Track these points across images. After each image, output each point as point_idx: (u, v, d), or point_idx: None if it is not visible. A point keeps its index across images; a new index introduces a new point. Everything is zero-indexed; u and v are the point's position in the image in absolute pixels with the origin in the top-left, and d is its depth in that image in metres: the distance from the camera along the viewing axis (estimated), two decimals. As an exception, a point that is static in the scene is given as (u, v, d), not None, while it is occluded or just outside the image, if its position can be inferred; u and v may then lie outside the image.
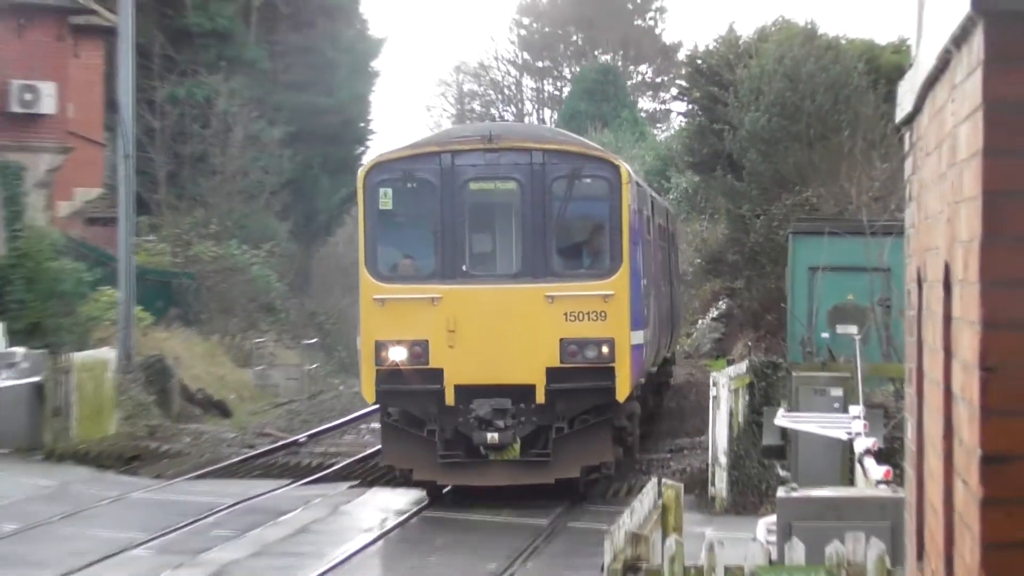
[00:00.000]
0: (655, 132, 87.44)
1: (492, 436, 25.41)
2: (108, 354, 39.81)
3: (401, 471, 27.65)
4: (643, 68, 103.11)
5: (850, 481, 20.37)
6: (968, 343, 7.58)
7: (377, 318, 26.54)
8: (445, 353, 26.15)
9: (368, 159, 29.57)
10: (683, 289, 50.28)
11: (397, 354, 26.18)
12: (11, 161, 45.85)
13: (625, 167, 27.57)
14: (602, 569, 12.31)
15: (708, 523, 22.59)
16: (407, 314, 26.27)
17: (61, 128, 49.08)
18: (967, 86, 7.66)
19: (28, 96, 46.96)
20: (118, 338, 41.68)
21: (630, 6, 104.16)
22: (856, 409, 24.45)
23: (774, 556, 13.19)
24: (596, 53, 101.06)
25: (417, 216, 27.66)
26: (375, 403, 27.88)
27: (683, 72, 67.62)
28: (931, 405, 9.73)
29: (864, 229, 39.27)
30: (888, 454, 19.41)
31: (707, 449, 29.53)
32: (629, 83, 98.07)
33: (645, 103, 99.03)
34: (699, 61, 60.74)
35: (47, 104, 47.46)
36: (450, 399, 25.99)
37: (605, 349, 26.14)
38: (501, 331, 26.07)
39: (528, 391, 25.91)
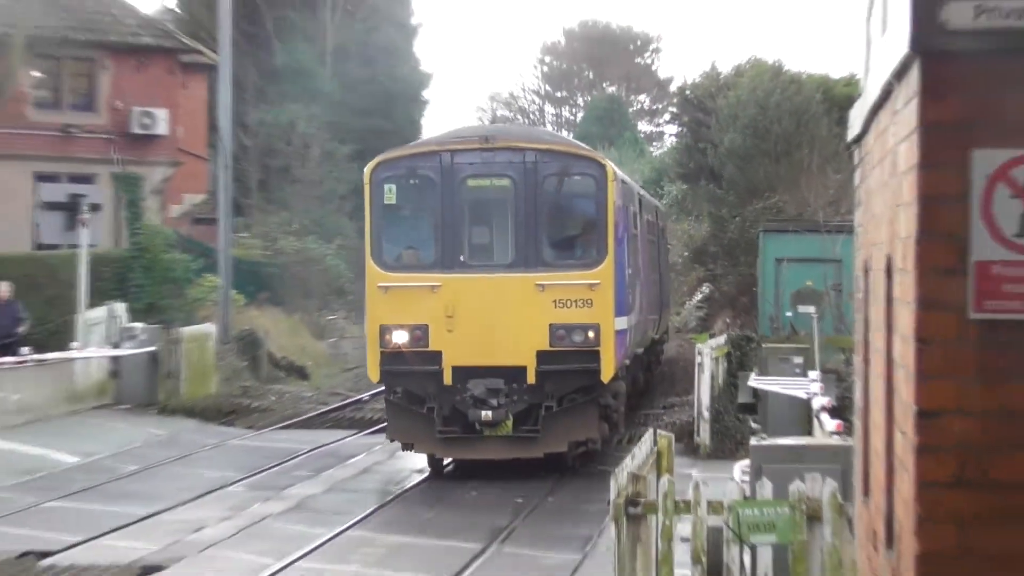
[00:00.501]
0: (651, 149, 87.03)
1: (486, 413, 23.39)
2: (210, 328, 39.94)
3: (404, 445, 25.46)
4: (642, 98, 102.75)
5: (809, 432, 20.31)
6: (906, 320, 7.55)
7: (381, 304, 24.41)
8: (444, 337, 24.01)
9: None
10: (673, 277, 49.94)
11: (399, 337, 24.08)
12: (133, 173, 45.99)
13: (611, 165, 25.46)
14: (609, 503, 12.29)
15: (694, 466, 22.50)
16: (409, 301, 24.13)
17: (172, 146, 49.14)
18: (905, 112, 7.62)
19: (146, 120, 47.00)
20: (218, 315, 41.75)
21: (631, 47, 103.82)
22: (814, 373, 24.47)
23: (748, 493, 13.16)
24: (604, 86, 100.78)
25: (419, 210, 25.33)
26: (379, 382, 25.47)
27: (674, 101, 67.63)
28: (875, 370, 9.70)
29: (820, 228, 39.36)
30: (839, 410, 19.37)
31: (693, 406, 29.48)
32: (631, 110, 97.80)
33: (643, 126, 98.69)
34: (687, 92, 60.65)
35: (161, 127, 47.49)
36: (448, 379, 23.88)
37: (591, 334, 23.94)
38: (495, 317, 23.89)
39: (520, 372, 23.79)
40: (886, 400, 8.81)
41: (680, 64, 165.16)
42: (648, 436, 15.24)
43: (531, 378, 23.71)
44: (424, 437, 24.32)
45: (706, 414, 28.29)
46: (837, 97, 49.54)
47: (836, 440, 15.72)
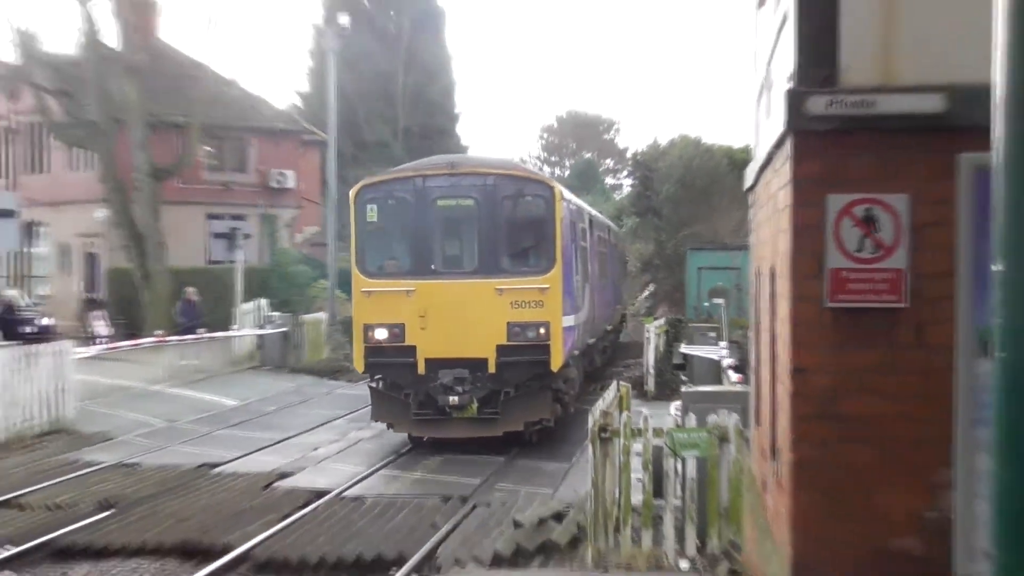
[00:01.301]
0: (615, 196, 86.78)
1: (454, 399, 19.55)
2: (322, 315, 39.98)
3: (387, 425, 21.17)
4: (608, 161, 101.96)
5: (720, 382, 20.31)
6: (784, 308, 7.55)
7: (365, 306, 20.23)
8: (417, 333, 19.92)
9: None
10: (630, 280, 49.73)
11: (380, 334, 19.98)
12: (271, 213, 46.31)
13: (558, 187, 21.12)
14: (587, 431, 12.29)
15: (644, 405, 22.17)
16: (388, 303, 19.91)
17: (297, 195, 49.24)
18: (783, 170, 7.62)
19: (280, 178, 47.16)
20: (327, 307, 41.75)
21: (600, 128, 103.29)
22: (723, 343, 24.45)
23: (680, 423, 13.15)
24: (583, 154, 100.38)
25: (396, 226, 20.75)
26: (364, 372, 21.14)
27: (629, 163, 67.12)
28: (764, 341, 9.70)
29: (727, 247, 39.27)
30: (740, 367, 19.32)
31: (643, 365, 29.45)
32: (600, 169, 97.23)
33: (609, 180, 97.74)
34: (638, 157, 60.40)
35: (290, 183, 47.61)
36: (421, 369, 19.82)
37: (542, 330, 19.80)
38: (461, 316, 19.83)
39: (482, 363, 19.75)
40: (771, 362, 8.80)
41: (633, 138, 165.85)
42: (613, 386, 15.22)
43: (492, 368, 19.67)
44: (402, 419, 20.19)
45: (651, 371, 28.22)
46: (737, 160, 49.16)
47: (738, 388, 15.71)
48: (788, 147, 7.23)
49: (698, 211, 49.36)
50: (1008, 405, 2.88)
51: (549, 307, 19.95)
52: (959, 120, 6.54)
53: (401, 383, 20.14)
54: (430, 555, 12.89)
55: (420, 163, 22.11)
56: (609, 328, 33.92)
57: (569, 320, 21.03)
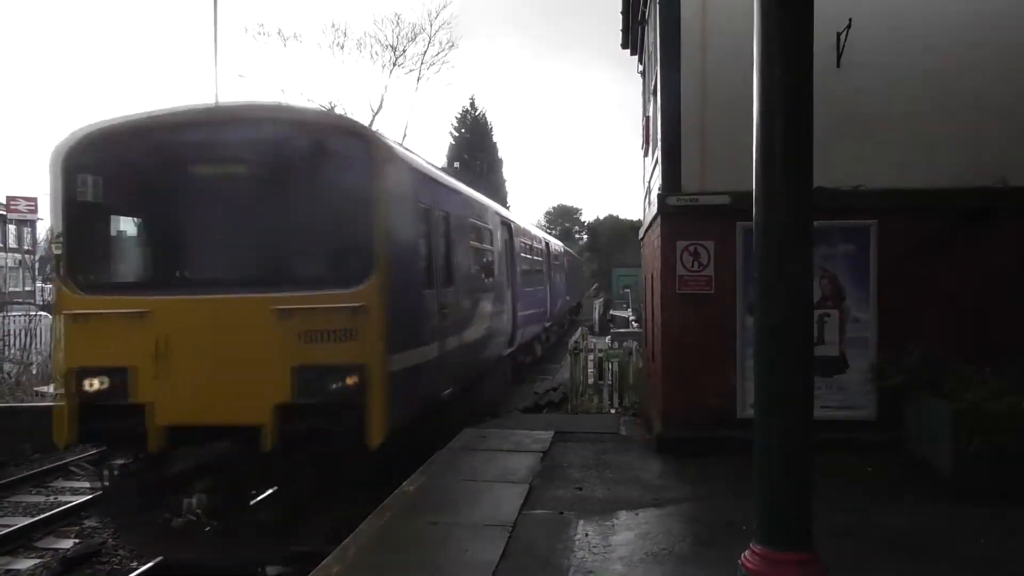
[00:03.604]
0: (579, 243, 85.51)
1: (192, 503, 3.69)
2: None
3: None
4: (576, 227, 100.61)
5: (628, 326, 20.01)
6: (659, 293, 7.46)
7: (75, 338, 3.78)
8: (151, 384, 3.92)
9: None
10: (585, 281, 47.76)
11: (95, 384, 3.87)
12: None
13: (386, 141, 4.73)
14: (568, 351, 12.13)
15: (593, 337, 21.67)
16: (108, 334, 3.67)
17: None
18: (657, 229, 7.54)
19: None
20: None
21: (572, 212, 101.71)
22: (630, 310, 24.13)
23: (610, 346, 13.01)
24: (565, 224, 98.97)
25: (126, 208, 3.94)
26: (75, 444, 3.90)
27: (586, 228, 66.40)
28: (648, 309, 9.58)
29: (629, 265, 38.71)
30: (637, 320, 19.04)
31: (593, 320, 29.05)
32: (574, 230, 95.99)
33: (577, 236, 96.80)
34: (589, 224, 59.77)
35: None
36: (154, 445, 3.97)
37: (352, 379, 3.83)
38: (222, 354, 3.87)
39: (252, 435, 3.83)
40: (651, 319, 8.70)
41: (588, 215, 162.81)
42: (580, 330, 15.00)
43: (267, 444, 3.59)
44: (123, 527, 3.61)
45: (596, 322, 27.83)
46: (635, 226, 48.33)
47: (637, 328, 15.53)
48: (659, 220, 7.19)
49: (617, 250, 48.88)
50: (760, 338, 2.91)
51: (365, 339, 4.08)
52: (736, 207, 6.49)
53: (123, 466, 4.26)
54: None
55: (167, 109, 4.80)
56: (575, 305, 22.65)
57: (415, 357, 5.01)
